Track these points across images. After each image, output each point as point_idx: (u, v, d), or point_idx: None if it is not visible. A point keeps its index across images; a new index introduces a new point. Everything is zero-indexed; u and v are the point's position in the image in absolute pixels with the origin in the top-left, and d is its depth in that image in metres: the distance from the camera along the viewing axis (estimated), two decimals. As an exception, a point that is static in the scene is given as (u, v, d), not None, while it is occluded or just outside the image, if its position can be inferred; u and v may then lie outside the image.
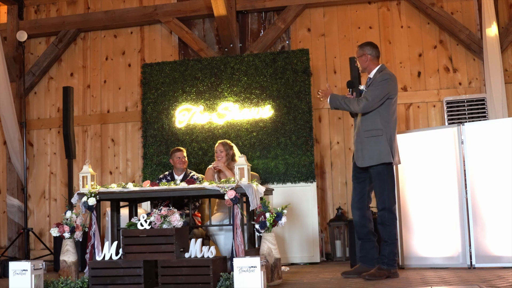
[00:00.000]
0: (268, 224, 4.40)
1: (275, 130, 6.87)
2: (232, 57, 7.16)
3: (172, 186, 4.77)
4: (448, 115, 7.05)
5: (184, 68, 7.22)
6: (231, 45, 7.57)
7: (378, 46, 5.14)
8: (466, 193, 5.42)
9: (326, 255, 7.06)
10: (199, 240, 4.47)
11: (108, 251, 4.57)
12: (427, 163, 5.66)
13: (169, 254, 4.38)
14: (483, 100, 6.97)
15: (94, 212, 4.79)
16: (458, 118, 6.98)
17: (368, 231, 4.91)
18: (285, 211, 4.49)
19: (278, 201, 6.39)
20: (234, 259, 4.02)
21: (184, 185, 4.73)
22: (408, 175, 5.73)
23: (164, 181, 5.92)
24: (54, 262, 6.82)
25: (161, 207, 4.72)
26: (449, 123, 6.98)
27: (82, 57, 8.26)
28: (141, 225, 4.51)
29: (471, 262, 5.34)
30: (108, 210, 5.56)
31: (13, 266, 4.25)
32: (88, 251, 4.80)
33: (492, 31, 6.81)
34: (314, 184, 6.69)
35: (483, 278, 4.41)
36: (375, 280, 4.58)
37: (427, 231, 5.59)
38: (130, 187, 4.81)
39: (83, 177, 4.88)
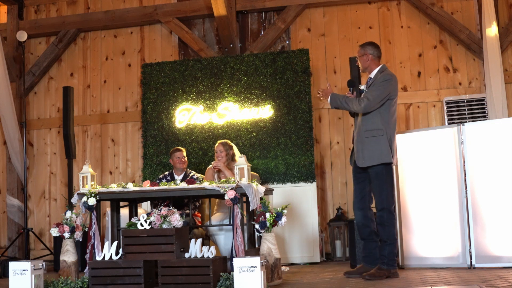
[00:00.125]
0: (268, 224, 4.40)
1: (275, 130, 6.87)
2: (232, 57, 7.16)
3: (172, 186, 4.77)
4: (448, 115, 7.05)
5: (184, 68, 7.22)
6: (231, 45, 7.57)
7: (378, 46, 5.14)
8: (466, 193, 5.42)
9: (326, 255, 7.06)
10: (199, 240, 4.47)
11: (108, 251, 4.57)
12: (427, 163, 5.66)
13: (169, 254, 4.38)
14: (483, 100, 6.97)
15: (94, 212, 4.79)
16: (458, 118, 6.98)
17: (370, 231, 4.91)
18: (285, 211, 4.49)
19: (278, 201, 6.39)
20: (234, 259, 4.02)
21: (184, 185, 4.73)
22: (408, 175, 5.73)
23: (164, 181, 5.92)
24: (54, 262, 6.82)
25: (161, 207, 4.72)
26: (449, 123, 6.98)
27: (82, 57, 8.26)
28: (141, 225, 4.51)
29: (471, 262, 5.34)
30: (108, 210, 5.56)
31: (13, 266, 4.25)
32: (88, 251, 4.80)
33: (492, 31, 6.81)
34: (314, 184, 6.69)
35: (483, 278, 4.41)
36: (375, 280, 4.59)
37: (427, 231, 5.59)
38: (130, 187, 4.81)
39: (83, 177, 4.88)
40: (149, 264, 4.47)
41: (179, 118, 7.15)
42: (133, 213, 5.23)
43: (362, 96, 4.91)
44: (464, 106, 7.03)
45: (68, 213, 4.81)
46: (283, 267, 5.20)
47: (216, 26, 7.72)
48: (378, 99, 4.78)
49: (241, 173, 4.60)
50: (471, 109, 7.00)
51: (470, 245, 5.36)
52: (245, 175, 4.57)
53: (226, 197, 4.47)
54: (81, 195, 4.79)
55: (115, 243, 4.62)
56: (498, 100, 6.74)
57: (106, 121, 8.04)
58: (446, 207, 5.53)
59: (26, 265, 4.23)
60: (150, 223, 4.49)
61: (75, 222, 4.79)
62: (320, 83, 7.46)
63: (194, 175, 5.96)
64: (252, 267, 3.90)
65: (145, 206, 6.62)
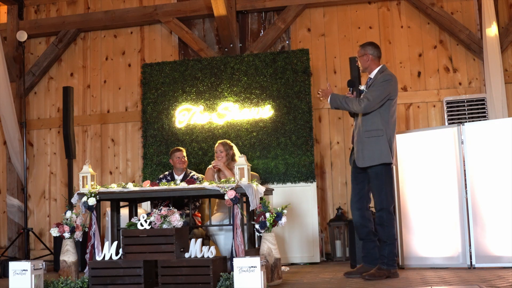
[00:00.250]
0: (268, 224, 4.40)
1: (275, 130, 6.87)
2: (232, 57, 7.16)
3: (172, 186, 4.77)
4: (448, 115, 7.05)
5: (184, 68, 7.22)
6: (231, 45, 7.57)
7: (378, 46, 5.14)
8: (466, 193, 5.42)
9: (326, 255, 7.06)
10: (199, 240, 4.47)
11: (108, 251, 4.57)
12: (427, 163, 5.66)
13: (169, 254, 4.38)
14: (483, 100, 6.97)
15: (94, 212, 4.79)
16: (458, 118, 6.98)
17: (368, 231, 4.92)
18: (285, 211, 4.49)
19: (278, 201, 6.38)
20: (234, 259, 4.02)
21: (184, 185, 4.73)
22: (408, 175, 5.73)
23: (164, 181, 5.92)
24: (54, 262, 6.82)
25: (161, 207, 4.72)
26: (449, 123, 6.98)
27: (82, 57, 8.26)
28: (141, 225, 4.51)
29: (471, 262, 5.34)
30: (108, 210, 5.55)
31: (13, 266, 4.25)
32: (88, 251, 4.80)
33: (492, 31, 6.81)
34: (314, 184, 6.69)
35: (483, 278, 4.41)
36: (375, 280, 4.59)
37: (427, 231, 5.58)
38: (130, 187, 4.81)
39: (83, 177, 4.88)
40: (149, 264, 4.47)
41: (179, 118, 7.15)
42: (133, 213, 5.23)
43: (362, 96, 4.91)
44: (464, 106, 7.03)
45: (68, 213, 4.81)
46: (283, 267, 5.20)
47: (216, 26, 7.72)
48: (378, 99, 4.78)
49: (241, 173, 4.60)
50: (471, 109, 7.00)
51: (470, 245, 5.36)
52: (245, 175, 4.57)
53: (226, 197, 4.47)
54: (81, 195, 4.79)
55: (115, 243, 4.62)
56: (498, 100, 6.74)
57: (106, 121, 8.04)
58: (446, 207, 5.53)
59: (26, 265, 4.23)
60: (150, 223, 4.49)
61: (75, 222, 4.79)
62: (320, 83, 7.46)
63: (194, 175, 5.96)
64: (252, 267, 3.90)
65: (145, 206, 6.62)
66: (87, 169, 4.87)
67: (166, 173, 6.19)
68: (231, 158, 5.74)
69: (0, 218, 8.14)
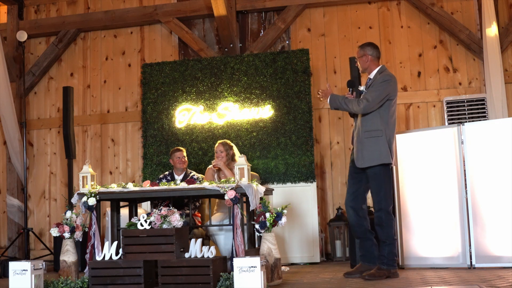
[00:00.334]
0: (268, 224, 4.40)
1: (275, 130, 6.87)
2: (232, 57, 7.16)
3: (172, 186, 4.77)
4: (448, 115, 7.05)
5: (184, 68, 7.22)
6: (231, 45, 7.57)
7: (378, 46, 5.14)
8: (466, 193, 5.42)
9: (326, 255, 7.06)
10: (199, 240, 4.47)
11: (108, 251, 4.57)
12: (427, 163, 5.66)
13: (169, 254, 4.38)
14: (483, 100, 6.97)
15: (94, 212, 4.79)
16: (458, 118, 6.98)
17: (365, 230, 4.91)
18: (285, 211, 4.49)
19: (278, 201, 6.38)
20: (234, 259, 4.02)
21: (184, 185, 4.73)
22: (408, 175, 5.73)
23: (164, 181, 5.92)
24: (54, 262, 6.82)
25: (161, 207, 4.72)
26: (449, 123, 6.98)
27: (82, 57, 8.26)
28: (141, 225, 4.51)
29: (471, 262, 5.34)
30: (108, 210, 5.55)
31: (13, 266, 4.25)
32: (88, 251, 4.80)
33: (492, 31, 6.81)
34: (314, 184, 6.69)
35: (483, 278, 4.41)
36: (375, 280, 4.58)
37: (427, 231, 5.58)
38: (130, 187, 4.81)
39: (83, 177, 4.88)
40: (149, 264, 4.47)
41: (179, 118, 7.15)
42: (133, 213, 5.23)
43: (361, 97, 4.91)
44: (464, 106, 7.03)
45: (68, 213, 4.81)
46: (283, 267, 5.20)
47: (216, 26, 7.72)
48: (377, 100, 4.78)
49: (241, 173, 4.60)
50: (471, 109, 7.00)
51: (470, 245, 5.36)
52: (245, 175, 4.57)
53: (226, 197, 4.47)
54: (81, 195, 4.79)
55: (115, 243, 4.62)
56: (498, 100, 6.74)
57: (106, 121, 8.04)
58: (446, 207, 5.53)
59: (26, 265, 4.23)
60: (150, 223, 4.49)
61: (75, 222, 4.79)
62: (320, 83, 7.46)
63: (194, 175, 5.96)
64: (252, 267, 3.90)
65: (145, 206, 6.62)
66: (87, 169, 4.87)
67: (166, 173, 6.19)
68: (231, 158, 5.74)
69: (0, 218, 8.14)
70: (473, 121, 6.76)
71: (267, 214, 4.41)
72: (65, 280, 4.43)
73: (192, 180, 4.83)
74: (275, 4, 7.58)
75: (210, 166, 5.79)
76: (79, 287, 4.43)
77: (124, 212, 5.41)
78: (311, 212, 6.60)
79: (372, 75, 4.95)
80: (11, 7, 8.29)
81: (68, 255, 4.72)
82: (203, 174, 5.99)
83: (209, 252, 4.42)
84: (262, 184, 5.64)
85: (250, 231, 4.89)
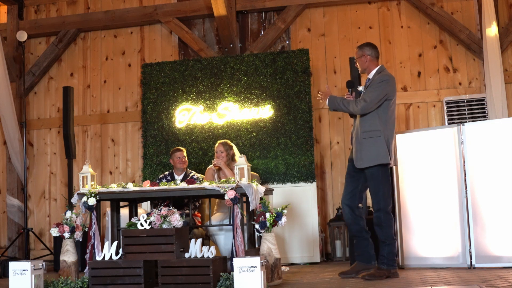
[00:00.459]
0: (268, 224, 4.40)
1: (275, 130, 6.87)
2: (232, 57, 7.16)
3: (172, 186, 4.77)
4: (448, 115, 7.05)
5: (184, 68, 7.22)
6: (231, 45, 7.57)
7: (378, 46, 5.15)
8: (466, 193, 5.42)
9: (326, 255, 7.06)
10: (199, 240, 4.47)
11: (108, 251, 4.56)
12: (427, 163, 5.66)
13: (169, 254, 4.38)
14: (483, 100, 6.97)
15: (94, 212, 4.79)
16: (458, 118, 6.98)
17: (360, 228, 4.91)
18: (285, 211, 4.49)
19: (278, 201, 6.38)
20: (234, 259, 4.02)
21: (184, 185, 4.73)
22: (408, 175, 5.73)
23: (164, 181, 5.92)
24: (54, 262, 6.82)
25: (161, 207, 4.72)
26: (449, 123, 6.98)
27: (82, 57, 8.26)
28: (141, 225, 4.51)
29: (471, 262, 5.34)
30: (108, 210, 5.55)
31: (13, 266, 4.25)
32: (88, 251, 4.80)
33: (492, 31, 6.81)
34: (314, 184, 6.69)
35: (483, 278, 4.41)
36: (375, 280, 4.58)
37: (427, 231, 5.58)
38: (130, 187, 4.81)
39: (83, 177, 4.88)
40: (149, 264, 4.47)
41: (179, 118, 7.15)
42: (133, 213, 5.23)
43: (360, 97, 4.91)
44: (464, 106, 7.03)
45: (68, 213, 4.81)
46: (283, 267, 5.20)
47: (216, 26, 7.72)
48: (375, 100, 4.78)
49: (241, 173, 4.60)
50: (471, 109, 7.00)
51: (470, 245, 5.36)
52: (245, 175, 4.57)
53: (226, 197, 4.47)
54: (81, 195, 4.79)
55: (115, 243, 4.62)
56: (498, 100, 6.74)
57: (106, 121, 8.04)
58: (446, 207, 5.53)
59: (26, 265, 4.23)
60: (150, 223, 4.49)
61: (75, 222, 4.79)
62: (320, 83, 7.46)
63: (194, 175, 5.96)
64: (252, 267, 3.90)
65: (145, 206, 6.62)
66: (87, 169, 4.87)
67: (166, 173, 6.19)
68: (231, 158, 5.75)
69: (0, 218, 8.14)
70: (473, 121, 6.76)
71: (267, 214, 4.41)
72: (65, 280, 4.43)
73: (192, 180, 4.83)
74: (275, 4, 7.59)
75: (210, 166, 5.80)
76: (79, 287, 4.43)
77: (124, 212, 5.41)
78: (311, 212, 6.59)
79: (371, 75, 4.95)
80: (11, 7, 8.29)
81: (68, 255, 4.72)
82: (203, 174, 5.99)
83: (209, 252, 4.42)
84: (262, 184, 5.64)
85: (250, 231, 4.89)
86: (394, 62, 7.39)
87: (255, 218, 4.50)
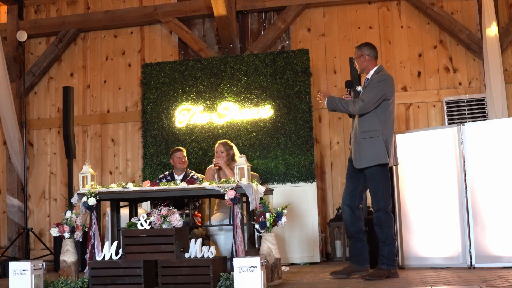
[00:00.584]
0: (268, 224, 4.40)
1: (275, 130, 6.87)
2: (232, 57, 7.16)
3: (172, 186, 4.77)
4: (448, 115, 7.05)
5: (184, 68, 7.22)
6: (231, 45, 7.57)
7: (378, 46, 5.17)
8: (466, 193, 5.42)
9: (326, 255, 7.06)
10: (199, 240, 4.47)
11: (108, 251, 4.56)
12: (427, 163, 5.66)
13: (169, 254, 4.38)
14: (483, 100, 6.97)
15: (94, 212, 4.79)
16: (458, 118, 6.98)
17: (358, 229, 4.90)
18: (285, 211, 4.49)
19: (278, 201, 6.38)
20: (234, 259, 4.02)
21: (184, 185, 4.73)
22: (408, 175, 5.73)
23: (164, 181, 5.92)
24: (54, 262, 6.82)
25: (161, 207, 4.72)
26: (449, 123, 6.98)
27: (82, 57, 8.26)
28: (141, 225, 4.51)
29: (471, 262, 5.34)
30: (108, 210, 5.55)
31: (13, 266, 4.25)
32: (88, 251, 4.80)
33: (492, 31, 6.81)
34: (314, 184, 6.69)
35: (483, 278, 4.41)
36: (375, 280, 4.58)
37: (427, 231, 5.59)
38: (130, 187, 4.81)
39: (83, 177, 4.88)
40: (149, 264, 4.47)
41: (179, 118, 7.15)
42: (133, 213, 5.23)
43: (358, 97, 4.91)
44: (464, 106, 7.03)
45: (68, 213, 4.81)
46: (283, 267, 5.20)
47: (216, 26, 7.72)
48: (373, 100, 4.78)
49: (241, 173, 4.60)
50: (471, 109, 7.00)
51: (470, 245, 5.36)
52: (245, 175, 4.57)
53: (226, 197, 4.47)
54: (81, 195, 4.79)
55: (115, 243, 4.62)
56: (498, 100, 6.74)
57: (106, 121, 8.04)
58: (446, 207, 5.53)
59: (26, 265, 4.23)
60: (150, 223, 4.49)
61: (75, 222, 4.79)
62: (320, 83, 7.47)
63: (194, 175, 5.96)
64: (252, 267, 3.90)
65: (145, 206, 6.62)
66: (87, 169, 4.87)
67: (166, 173, 6.20)
68: (232, 158, 5.75)
69: (0, 218, 8.14)
70: (473, 121, 6.76)
71: (267, 214, 4.41)
72: (65, 280, 4.43)
73: (192, 180, 4.83)
74: (275, 4, 7.58)
75: (210, 166, 5.80)
76: (79, 287, 4.43)
77: (124, 212, 5.41)
78: (311, 212, 6.60)
79: (369, 75, 4.95)
80: (11, 7, 8.29)
81: (68, 255, 4.72)
82: (203, 174, 5.99)
83: (209, 252, 4.42)
84: (262, 184, 5.64)
85: (250, 231, 4.89)
86: (394, 62, 7.39)
87: (255, 218, 4.50)
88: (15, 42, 8.07)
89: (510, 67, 7.13)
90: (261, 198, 4.59)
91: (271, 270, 4.37)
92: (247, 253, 4.50)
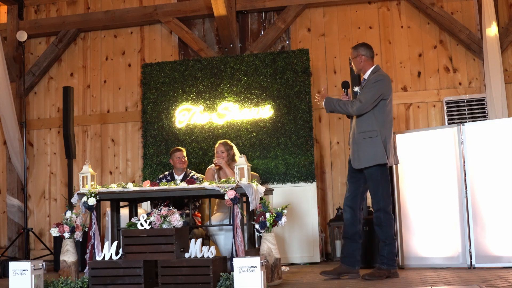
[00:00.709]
0: (268, 224, 4.40)
1: (275, 130, 6.87)
2: (232, 57, 7.16)
3: (172, 186, 4.77)
4: (448, 115, 7.05)
5: (184, 68, 7.22)
6: (231, 45, 7.57)
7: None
8: (466, 193, 5.43)
9: (326, 255, 7.06)
10: (199, 240, 4.47)
11: (108, 251, 4.57)
12: (427, 163, 5.66)
13: (169, 254, 4.38)
14: (483, 100, 6.97)
15: (94, 212, 4.79)
16: (458, 118, 6.98)
17: (355, 232, 4.89)
18: (285, 211, 4.49)
19: (278, 201, 6.38)
20: (234, 259, 4.02)
21: (184, 185, 4.73)
22: (408, 175, 5.73)
23: (164, 181, 5.92)
24: (54, 262, 6.82)
25: (161, 207, 4.72)
26: (449, 123, 6.98)
27: (82, 57, 8.26)
28: (141, 225, 4.51)
29: (471, 262, 5.34)
30: (108, 210, 5.56)
31: (13, 266, 4.25)
32: (88, 251, 4.80)
33: (492, 31, 6.81)
34: (314, 184, 6.69)
35: (483, 278, 4.41)
36: (375, 280, 4.58)
37: (427, 231, 5.59)
38: (130, 187, 4.81)
39: (83, 177, 4.88)
40: (149, 264, 4.47)
41: (179, 118, 7.15)
42: (133, 213, 5.23)
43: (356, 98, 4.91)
44: (464, 106, 7.03)
45: (68, 213, 4.81)
46: (283, 267, 5.20)
47: (216, 26, 7.72)
48: (370, 100, 4.77)
49: (241, 173, 4.60)
50: (471, 109, 7.00)
51: (470, 245, 5.36)
52: (245, 175, 4.57)
53: (226, 197, 4.47)
54: (81, 195, 4.79)
55: (115, 243, 4.62)
56: (498, 100, 6.74)
57: (106, 121, 8.04)
58: (446, 207, 5.53)
59: (26, 265, 4.23)
60: (150, 223, 4.49)
61: (75, 222, 4.79)
62: (320, 83, 7.47)
63: (194, 175, 5.96)
64: (252, 267, 3.90)
65: (145, 206, 6.63)
66: (87, 169, 4.87)
67: (166, 173, 6.20)
68: (232, 158, 5.75)
69: (0, 218, 8.14)
70: (473, 121, 6.76)
71: (267, 214, 4.41)
72: (65, 280, 4.43)
73: (192, 180, 4.83)
74: (275, 4, 7.58)
75: (210, 166, 5.80)
76: (79, 287, 4.43)
77: (124, 212, 5.41)
78: (311, 212, 6.59)
79: (366, 75, 4.95)
80: (11, 7, 8.29)
81: (68, 255, 4.72)
82: (203, 174, 5.99)
83: (209, 252, 4.42)
84: (262, 184, 5.65)
85: (250, 231, 4.89)
86: (394, 62, 7.39)
87: (255, 218, 4.50)
88: (15, 42, 8.07)
89: (510, 67, 7.13)
90: (261, 198, 4.59)
91: (271, 270, 4.37)
92: (247, 253, 4.50)
